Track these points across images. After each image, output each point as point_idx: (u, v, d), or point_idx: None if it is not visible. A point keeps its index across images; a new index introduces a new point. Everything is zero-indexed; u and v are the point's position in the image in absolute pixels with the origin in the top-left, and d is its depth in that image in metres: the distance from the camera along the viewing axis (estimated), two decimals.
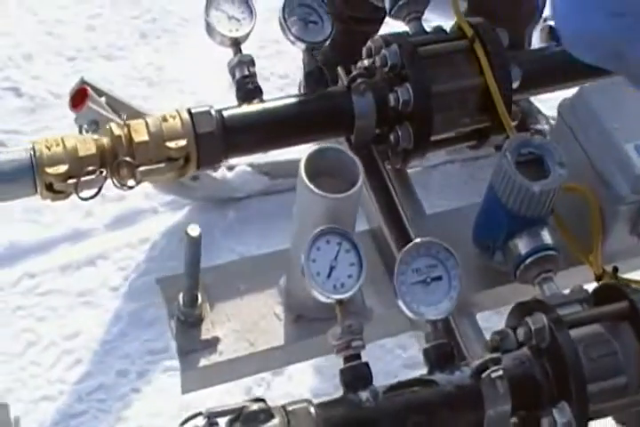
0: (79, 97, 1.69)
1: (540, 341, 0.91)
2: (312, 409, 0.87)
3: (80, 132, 1.19)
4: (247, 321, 1.06)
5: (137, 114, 1.62)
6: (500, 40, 1.11)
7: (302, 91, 1.16)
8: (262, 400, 0.87)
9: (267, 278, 1.09)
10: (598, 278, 1.03)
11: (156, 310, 1.65)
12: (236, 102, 1.11)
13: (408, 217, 1.09)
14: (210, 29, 1.13)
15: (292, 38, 1.10)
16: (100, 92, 1.72)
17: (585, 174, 1.05)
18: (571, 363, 0.91)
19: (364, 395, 0.89)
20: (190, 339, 1.04)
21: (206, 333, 1.04)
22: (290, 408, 0.87)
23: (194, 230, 0.96)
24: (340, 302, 0.89)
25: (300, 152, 0.98)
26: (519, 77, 1.09)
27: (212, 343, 1.04)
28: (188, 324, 1.03)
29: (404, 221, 1.10)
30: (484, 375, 0.90)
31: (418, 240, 0.91)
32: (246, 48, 1.13)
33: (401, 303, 0.89)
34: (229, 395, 1.52)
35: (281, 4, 1.10)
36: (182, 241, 0.99)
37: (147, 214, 1.94)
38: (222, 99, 1.12)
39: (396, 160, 1.10)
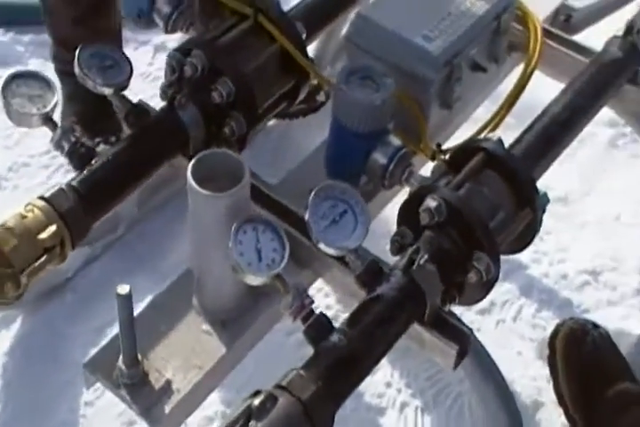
0: None
1: (439, 216, 0.99)
2: (302, 372, 0.90)
3: None
4: (184, 352, 1.06)
5: None
6: (276, 4, 1.19)
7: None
8: (259, 391, 0.88)
9: (178, 307, 1.10)
10: (433, 158, 1.13)
11: None
12: None
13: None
14: (18, 117, 1.10)
15: (98, 87, 1.10)
16: None
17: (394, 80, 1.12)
18: (474, 218, 1.00)
19: (334, 338, 0.93)
20: (146, 396, 1.02)
21: (157, 382, 1.02)
22: (284, 383, 0.90)
23: (123, 289, 0.94)
24: (277, 275, 0.93)
25: None
26: (304, 30, 1.19)
27: (167, 387, 1.03)
28: (138, 384, 1.02)
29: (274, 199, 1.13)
30: (414, 267, 0.98)
31: (311, 195, 0.96)
32: None
33: (323, 247, 0.95)
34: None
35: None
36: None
37: None
38: None
39: (234, 149, 1.16)
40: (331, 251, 0.96)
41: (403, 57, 1.16)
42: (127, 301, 0.93)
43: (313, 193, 0.96)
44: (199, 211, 0.99)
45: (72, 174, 1.12)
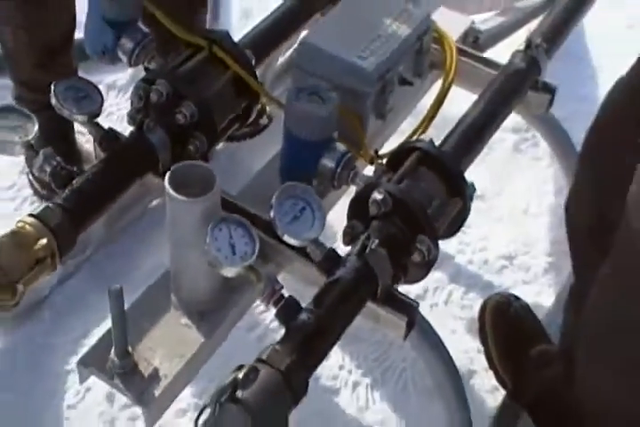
0: None
1: (385, 206, 1.04)
2: (277, 347, 0.93)
3: None
4: (168, 343, 1.08)
5: None
6: (227, 35, 1.23)
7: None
8: (242, 366, 0.90)
9: (159, 305, 1.11)
10: (371, 162, 1.18)
11: None
12: None
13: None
14: (2, 146, 1.10)
15: (74, 116, 1.13)
16: None
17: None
18: (415, 207, 1.05)
19: (302, 316, 0.97)
20: (137, 383, 1.03)
21: (146, 370, 1.04)
22: (263, 357, 0.92)
23: (115, 288, 0.94)
24: (250, 266, 0.97)
25: None
26: (253, 56, 1.23)
27: (155, 374, 1.04)
28: (130, 373, 1.03)
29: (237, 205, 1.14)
30: (367, 251, 1.03)
31: (275, 195, 0.99)
32: None
33: (288, 238, 1.00)
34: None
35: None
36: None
37: None
38: None
39: None
40: (295, 242, 1.01)
41: (342, 75, 1.21)
42: (119, 299, 0.95)
43: (277, 193, 1.00)
44: (177, 215, 1.02)
45: (37, 205, 1.14)
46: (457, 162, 1.16)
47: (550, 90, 1.40)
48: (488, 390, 1.62)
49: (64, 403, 1.58)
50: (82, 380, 1.09)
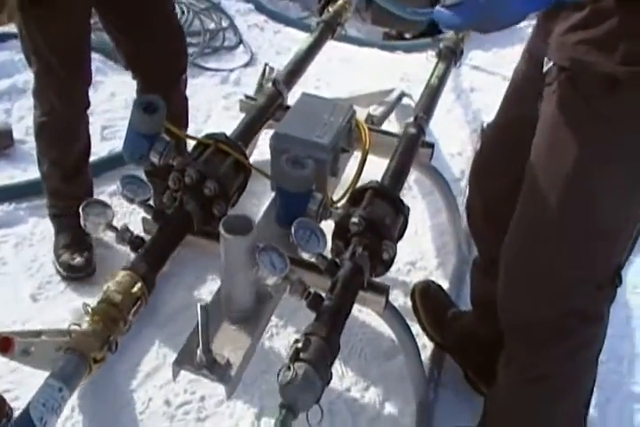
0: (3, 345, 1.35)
1: (360, 226, 1.12)
2: (316, 323, 1.01)
3: None
4: (229, 341, 1.13)
5: None
6: (224, 135, 1.29)
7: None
8: (297, 339, 0.98)
9: (215, 318, 1.14)
10: (331, 205, 1.23)
11: None
12: None
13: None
14: (93, 227, 1.14)
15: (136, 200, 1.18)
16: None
17: None
18: (380, 223, 1.15)
19: (325, 303, 1.06)
20: (218, 369, 1.08)
21: (222, 360, 1.09)
22: (310, 331, 0.99)
23: (203, 304, 0.99)
24: (286, 276, 1.05)
25: None
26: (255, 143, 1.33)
27: (228, 363, 1.09)
28: (211, 364, 1.08)
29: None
30: (356, 256, 1.13)
31: (292, 230, 1.06)
32: None
33: (305, 254, 1.08)
34: None
35: None
36: None
37: None
38: None
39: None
40: (309, 256, 1.09)
41: (307, 150, 1.29)
42: (205, 312, 1.01)
43: (294, 226, 1.09)
44: (230, 250, 1.09)
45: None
46: (396, 193, 1.27)
47: (431, 145, 1.54)
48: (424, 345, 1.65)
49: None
50: (175, 376, 1.12)
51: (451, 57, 1.80)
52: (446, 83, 1.67)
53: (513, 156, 1.20)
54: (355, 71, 2.68)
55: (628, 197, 1.04)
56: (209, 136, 1.31)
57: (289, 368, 0.96)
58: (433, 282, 1.71)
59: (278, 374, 0.96)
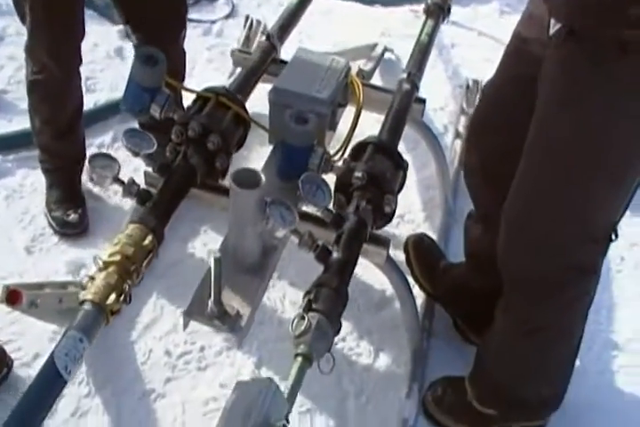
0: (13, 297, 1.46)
1: (363, 180, 1.13)
2: (326, 275, 1.03)
3: None
4: (239, 292, 1.13)
5: None
6: (224, 88, 1.28)
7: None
8: (309, 291, 1.01)
9: (225, 270, 1.07)
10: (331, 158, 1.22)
11: None
12: None
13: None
14: (99, 180, 1.13)
15: (142, 152, 1.16)
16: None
17: None
18: (382, 177, 1.16)
19: (333, 255, 1.08)
20: (229, 320, 1.09)
21: (232, 311, 1.10)
22: (320, 282, 1.01)
23: (216, 255, 0.98)
24: (294, 229, 1.07)
25: None
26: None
27: (238, 314, 1.11)
28: (222, 315, 1.09)
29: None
30: (360, 210, 1.15)
31: (299, 184, 1.09)
32: None
33: (312, 207, 1.11)
34: None
35: None
36: None
37: None
38: None
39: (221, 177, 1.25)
40: (316, 209, 1.12)
41: (307, 105, 1.30)
42: (219, 264, 1.01)
43: (301, 180, 1.10)
44: (239, 203, 1.09)
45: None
46: (395, 148, 1.29)
47: (422, 101, 1.55)
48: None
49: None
50: (185, 326, 1.13)
51: (439, 13, 1.79)
52: (435, 39, 1.66)
53: (511, 113, 1.23)
54: (336, 25, 2.64)
55: (628, 155, 1.07)
56: (209, 90, 1.30)
57: (303, 318, 0.98)
58: (426, 235, 1.74)
59: (292, 325, 0.98)
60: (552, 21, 1.05)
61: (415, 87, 1.50)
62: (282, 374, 1.15)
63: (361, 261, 1.16)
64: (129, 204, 1.80)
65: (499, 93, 1.30)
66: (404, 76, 1.49)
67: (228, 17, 2.59)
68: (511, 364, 1.36)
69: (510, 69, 1.27)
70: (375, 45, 2.25)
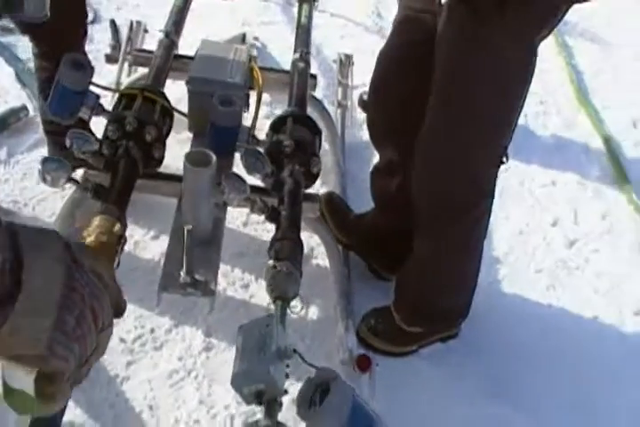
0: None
1: (291, 147, 1.26)
2: (282, 230, 1.14)
3: None
4: (200, 260, 1.16)
5: None
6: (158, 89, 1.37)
7: None
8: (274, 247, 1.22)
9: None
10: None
11: None
12: None
13: None
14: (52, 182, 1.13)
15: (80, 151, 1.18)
16: None
17: None
18: (308, 142, 1.28)
19: (282, 214, 1.19)
20: (201, 286, 1.14)
21: (202, 278, 1.14)
22: (280, 236, 1.14)
23: (188, 226, 1.04)
24: (248, 197, 1.17)
25: None
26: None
27: (205, 279, 1.15)
28: (195, 282, 1.14)
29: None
30: (294, 173, 1.28)
31: (241, 159, 1.20)
32: None
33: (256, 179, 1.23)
34: None
35: None
36: None
37: None
38: None
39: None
40: (258, 177, 1.25)
41: (223, 89, 1.38)
42: (190, 236, 1.05)
43: (242, 155, 1.23)
44: (193, 180, 1.17)
45: None
46: (310, 117, 1.42)
47: (314, 77, 1.70)
48: None
49: None
50: (159, 302, 1.16)
51: None
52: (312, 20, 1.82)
53: (408, 71, 1.40)
54: (199, 19, 2.72)
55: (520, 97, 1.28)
56: (131, 87, 1.39)
57: (274, 267, 1.11)
58: (334, 192, 1.89)
59: (265, 275, 1.11)
60: None
61: (308, 64, 1.64)
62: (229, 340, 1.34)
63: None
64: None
65: (393, 54, 1.46)
66: (297, 55, 1.63)
67: (92, 22, 2.60)
68: (430, 282, 1.55)
69: (403, 35, 1.43)
70: (244, 35, 2.38)
